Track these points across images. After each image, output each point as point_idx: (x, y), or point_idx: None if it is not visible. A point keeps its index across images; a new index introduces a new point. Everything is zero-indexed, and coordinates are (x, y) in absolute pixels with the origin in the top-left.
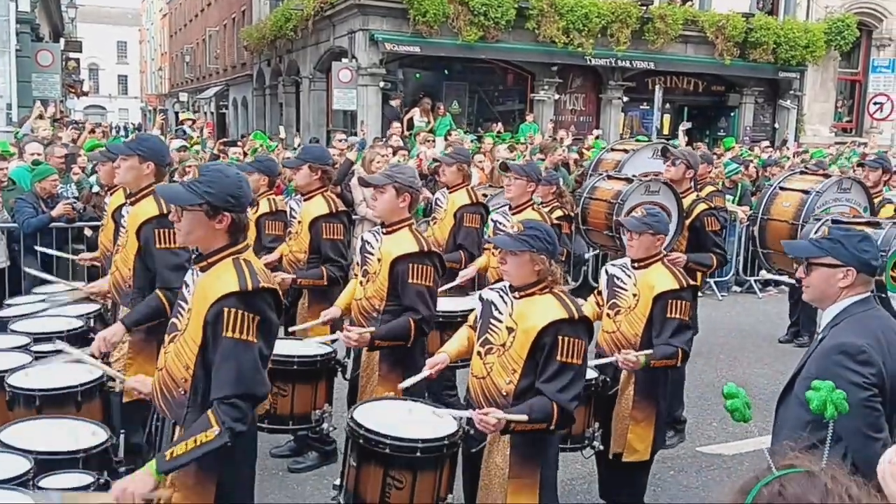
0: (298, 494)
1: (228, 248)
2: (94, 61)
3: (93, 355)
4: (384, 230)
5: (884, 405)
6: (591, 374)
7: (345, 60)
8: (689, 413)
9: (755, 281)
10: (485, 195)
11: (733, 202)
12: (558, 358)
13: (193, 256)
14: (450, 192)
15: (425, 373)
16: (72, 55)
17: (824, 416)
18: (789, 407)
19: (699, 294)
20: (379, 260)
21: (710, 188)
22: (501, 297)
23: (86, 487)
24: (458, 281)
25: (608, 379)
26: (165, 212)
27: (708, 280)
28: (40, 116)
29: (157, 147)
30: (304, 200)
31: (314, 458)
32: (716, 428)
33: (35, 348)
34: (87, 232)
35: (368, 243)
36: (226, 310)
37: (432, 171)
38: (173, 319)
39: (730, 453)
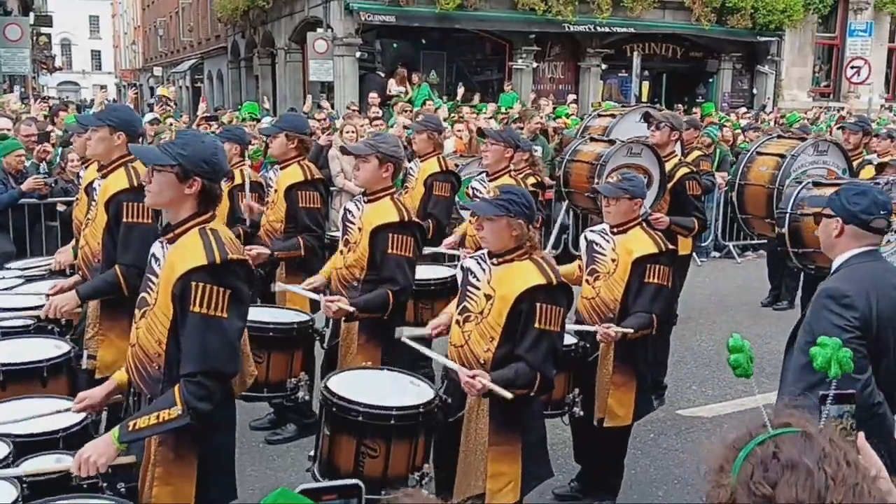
0: (279, 467)
1: (195, 217)
2: (66, 36)
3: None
4: (366, 199)
5: (869, 350)
6: (570, 339)
7: (320, 30)
8: (669, 377)
9: (734, 246)
10: (457, 165)
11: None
12: (536, 325)
13: (162, 229)
14: (421, 161)
15: (426, 330)
16: (43, 30)
17: (828, 374)
18: (791, 354)
19: (694, 262)
20: (360, 229)
21: (696, 153)
22: (479, 264)
23: (66, 469)
24: (441, 247)
25: (588, 345)
26: (136, 184)
27: None
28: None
29: (127, 117)
30: (280, 169)
31: (292, 431)
32: (695, 391)
33: (2, 324)
34: (60, 208)
35: (350, 212)
36: (193, 284)
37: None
38: (143, 294)
39: (709, 416)
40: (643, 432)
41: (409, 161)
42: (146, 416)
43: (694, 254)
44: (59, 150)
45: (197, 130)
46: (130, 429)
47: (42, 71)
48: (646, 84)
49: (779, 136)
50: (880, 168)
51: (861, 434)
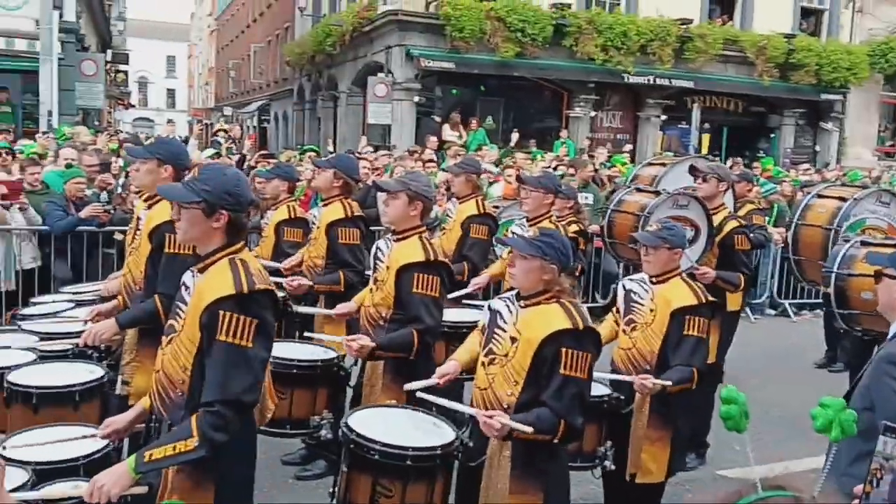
0: (306, 503)
1: (225, 248)
2: (143, 75)
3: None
4: (394, 237)
5: None
6: (604, 390)
7: (381, 75)
8: (711, 436)
9: (789, 304)
10: (496, 207)
11: (769, 224)
12: (561, 371)
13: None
14: (459, 203)
15: (433, 380)
16: (121, 67)
17: (830, 437)
18: None
19: (747, 319)
20: (387, 267)
21: (749, 206)
22: (507, 305)
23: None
24: (469, 288)
25: (622, 396)
26: None
27: None
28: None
29: (175, 150)
30: (323, 206)
31: (322, 467)
32: (737, 452)
33: (42, 347)
34: (118, 236)
35: (380, 250)
36: (221, 313)
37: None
38: (171, 321)
39: (750, 478)
40: (679, 490)
41: (448, 202)
42: (162, 446)
43: (748, 311)
44: (122, 180)
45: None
46: (146, 459)
47: (118, 107)
48: (706, 137)
49: (842, 185)
50: None
51: None
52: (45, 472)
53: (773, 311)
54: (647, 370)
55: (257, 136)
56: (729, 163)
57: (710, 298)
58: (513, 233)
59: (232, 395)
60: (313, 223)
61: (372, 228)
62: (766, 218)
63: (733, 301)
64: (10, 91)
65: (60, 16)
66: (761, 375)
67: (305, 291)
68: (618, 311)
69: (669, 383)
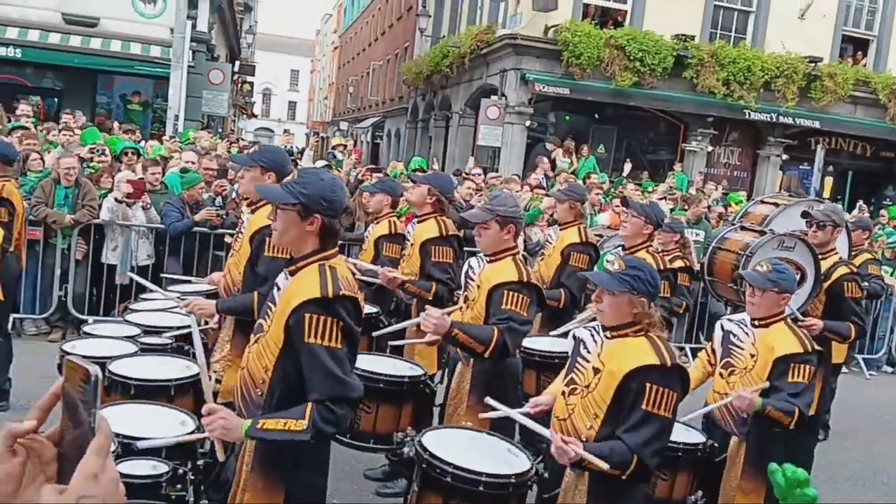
0: None
1: (318, 252)
2: (268, 86)
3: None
4: (487, 258)
5: None
6: (699, 437)
7: (494, 98)
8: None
9: None
10: (599, 236)
11: (892, 275)
12: (643, 406)
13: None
14: (561, 230)
15: (526, 409)
16: (248, 78)
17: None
18: None
19: (843, 370)
20: (478, 286)
21: (865, 255)
22: (592, 335)
23: (159, 476)
24: (575, 322)
25: (716, 445)
26: None
27: (856, 356)
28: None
29: (278, 158)
30: (418, 223)
31: (403, 486)
32: None
33: (143, 340)
34: (228, 239)
35: (472, 268)
36: (307, 315)
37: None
38: (260, 320)
39: None
40: None
41: (550, 227)
42: (275, 419)
43: (862, 366)
44: (236, 186)
45: (317, 167)
46: (259, 426)
47: (241, 116)
48: (829, 180)
49: None
50: None
51: None
52: (128, 447)
53: (889, 369)
54: (744, 418)
55: (366, 152)
56: (856, 210)
57: (817, 347)
58: (606, 260)
59: (339, 393)
60: (408, 240)
61: (466, 249)
62: (890, 269)
63: (839, 352)
64: (142, 94)
65: (194, 26)
66: (870, 436)
67: (397, 286)
68: (713, 352)
69: (770, 408)
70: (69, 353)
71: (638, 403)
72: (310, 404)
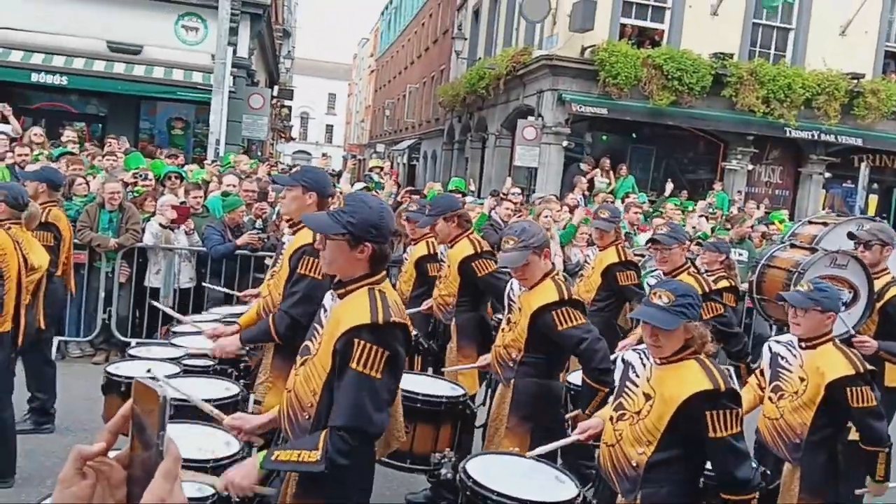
0: None
1: (367, 277)
2: (305, 110)
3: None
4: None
5: None
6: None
7: (531, 118)
8: None
9: None
10: (640, 255)
11: None
12: (710, 435)
13: (333, 283)
14: (600, 250)
15: (573, 437)
16: (286, 102)
17: None
18: None
19: None
20: (520, 309)
21: None
22: (641, 358)
23: (204, 499)
24: (617, 352)
25: (769, 471)
26: None
27: None
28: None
29: (320, 179)
30: (450, 247)
31: None
32: None
33: (186, 362)
34: (269, 261)
35: (513, 290)
36: (356, 341)
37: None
38: (307, 342)
39: None
40: None
41: (588, 248)
42: (289, 451)
43: None
44: (277, 208)
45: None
46: (273, 459)
47: (280, 139)
48: (873, 198)
49: None
50: None
51: None
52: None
53: None
54: (797, 444)
55: (402, 173)
56: None
57: (868, 367)
58: (648, 286)
59: (357, 424)
60: (441, 260)
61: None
62: None
63: (892, 375)
64: (184, 120)
65: (234, 52)
66: None
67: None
68: (762, 374)
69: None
70: (138, 377)
71: (705, 433)
72: (324, 433)
